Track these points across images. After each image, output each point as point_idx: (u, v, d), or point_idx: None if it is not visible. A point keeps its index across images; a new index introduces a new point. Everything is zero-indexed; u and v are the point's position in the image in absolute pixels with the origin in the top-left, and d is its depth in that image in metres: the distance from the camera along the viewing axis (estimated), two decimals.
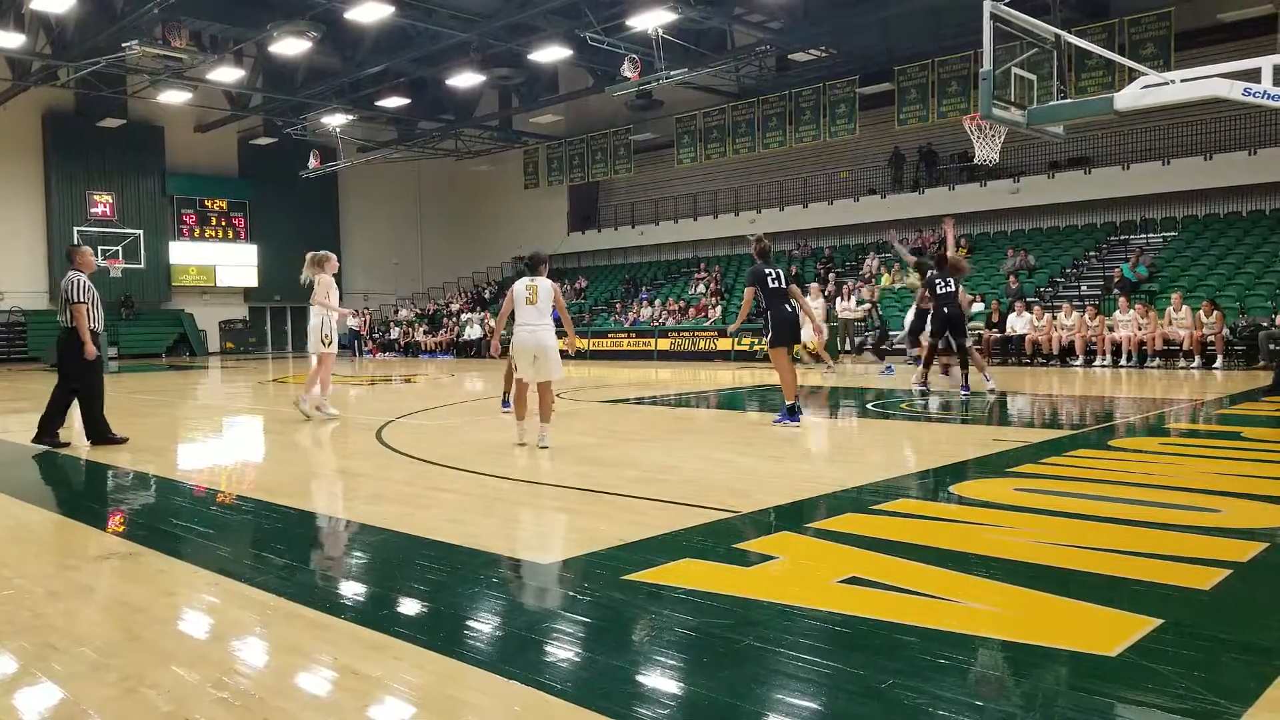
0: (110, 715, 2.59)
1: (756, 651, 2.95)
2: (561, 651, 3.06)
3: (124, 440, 8.38)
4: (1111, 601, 3.34)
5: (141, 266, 29.51)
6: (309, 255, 10.22)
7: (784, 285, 8.79)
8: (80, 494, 6.59)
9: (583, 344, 27.03)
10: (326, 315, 10.01)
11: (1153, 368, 16.42)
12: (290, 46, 23.05)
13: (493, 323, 31.52)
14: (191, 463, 7.81)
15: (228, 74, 25.95)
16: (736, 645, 3.00)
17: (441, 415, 10.84)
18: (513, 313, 7.58)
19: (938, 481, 5.96)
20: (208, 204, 34.83)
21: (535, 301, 7.35)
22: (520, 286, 7.39)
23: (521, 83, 29.05)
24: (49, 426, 8.33)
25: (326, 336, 10.07)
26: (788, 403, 8.67)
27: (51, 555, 4.52)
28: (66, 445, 8.25)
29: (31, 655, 3.04)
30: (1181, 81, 8.62)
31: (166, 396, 15.48)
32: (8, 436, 9.53)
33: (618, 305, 30.30)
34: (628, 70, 22.17)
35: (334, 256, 10.32)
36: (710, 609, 3.38)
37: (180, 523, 5.29)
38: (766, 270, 8.70)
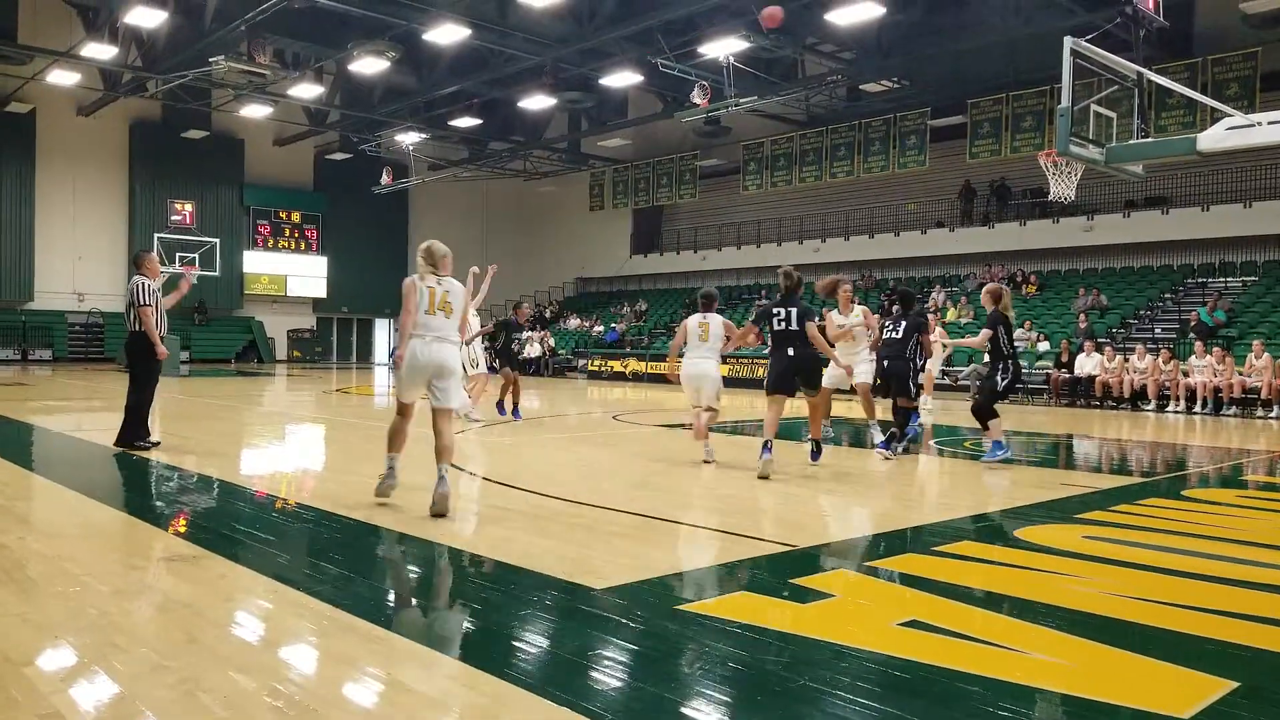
0: (168, 717, 2.62)
1: (811, 692, 2.88)
2: (611, 680, 3.03)
3: (156, 445, 8.31)
4: (1185, 660, 3.20)
5: (216, 274, 30.46)
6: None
7: (792, 327, 7.55)
8: (148, 495, 6.76)
9: (641, 367, 27.05)
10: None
11: (1229, 416, 15.83)
12: (369, 65, 23.69)
13: (551, 341, 31.88)
14: (255, 468, 7.97)
15: (308, 90, 26.75)
16: (791, 685, 2.94)
17: (498, 432, 10.91)
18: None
19: (1002, 525, 5.80)
20: (282, 215, 35.81)
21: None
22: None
23: (591, 106, 29.38)
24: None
25: (474, 361, 11.96)
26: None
27: (118, 554, 4.63)
28: (157, 444, 8.37)
29: (95, 652, 3.10)
30: (1270, 124, 8.33)
31: (234, 401, 15.86)
32: (83, 435, 9.85)
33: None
34: (697, 97, 22.26)
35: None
36: (764, 645, 3.32)
37: (242, 528, 5.39)
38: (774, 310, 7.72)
